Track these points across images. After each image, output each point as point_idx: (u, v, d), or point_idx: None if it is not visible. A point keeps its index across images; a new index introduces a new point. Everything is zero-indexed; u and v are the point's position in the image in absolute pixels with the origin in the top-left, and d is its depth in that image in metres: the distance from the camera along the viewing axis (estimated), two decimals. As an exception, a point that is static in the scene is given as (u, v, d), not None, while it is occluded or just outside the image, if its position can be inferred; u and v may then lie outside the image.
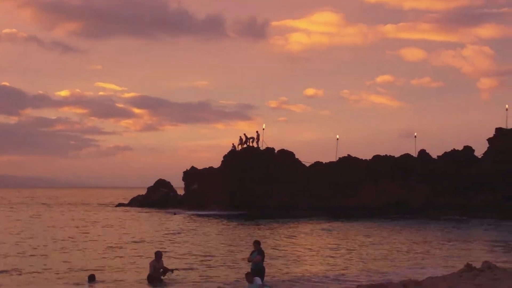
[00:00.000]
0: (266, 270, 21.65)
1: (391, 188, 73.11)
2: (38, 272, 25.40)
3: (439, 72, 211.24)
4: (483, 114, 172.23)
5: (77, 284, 22.76)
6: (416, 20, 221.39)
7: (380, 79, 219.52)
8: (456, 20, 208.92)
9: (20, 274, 24.88)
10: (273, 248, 34.78)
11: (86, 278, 23.14)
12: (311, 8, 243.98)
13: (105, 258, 30.60)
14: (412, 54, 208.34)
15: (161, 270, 23.27)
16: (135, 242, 39.51)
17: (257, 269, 20.63)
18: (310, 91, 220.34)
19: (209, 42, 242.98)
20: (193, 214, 72.92)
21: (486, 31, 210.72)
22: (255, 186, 74.82)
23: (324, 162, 78.23)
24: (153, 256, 23.89)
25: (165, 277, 23.29)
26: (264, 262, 21.18)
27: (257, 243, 21.34)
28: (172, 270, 23.67)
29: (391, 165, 73.89)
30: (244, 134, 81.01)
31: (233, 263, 28.78)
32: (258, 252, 20.91)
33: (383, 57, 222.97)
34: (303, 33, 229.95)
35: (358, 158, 76.60)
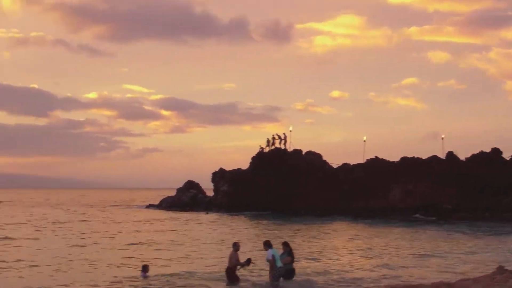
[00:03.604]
0: (296, 271, 22.15)
1: (419, 190, 73.22)
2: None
3: (464, 74, 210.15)
4: (510, 116, 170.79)
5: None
6: (440, 23, 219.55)
7: (405, 81, 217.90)
8: (480, 22, 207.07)
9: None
10: (301, 249, 34.86)
11: (140, 268, 24.16)
12: (335, 11, 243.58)
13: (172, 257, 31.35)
14: (437, 56, 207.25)
15: (237, 263, 21.97)
16: (173, 242, 40.15)
17: (287, 270, 21.14)
18: (335, 93, 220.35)
19: (234, 45, 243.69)
20: (224, 215, 74.05)
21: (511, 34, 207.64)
22: (283, 187, 75.71)
23: (351, 164, 78.79)
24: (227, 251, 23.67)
25: (241, 269, 22.13)
26: (294, 263, 21.76)
27: (285, 245, 21.77)
28: (248, 262, 21.87)
29: (419, 167, 74.09)
30: (277, 134, 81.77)
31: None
32: (287, 253, 21.47)
33: (408, 59, 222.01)
34: (327, 36, 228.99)
35: (386, 160, 76.97)
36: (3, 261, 28.36)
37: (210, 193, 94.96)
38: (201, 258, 30.43)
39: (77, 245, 36.13)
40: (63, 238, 41.85)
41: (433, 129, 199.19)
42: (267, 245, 20.73)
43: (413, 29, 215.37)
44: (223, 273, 22.43)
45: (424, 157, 75.99)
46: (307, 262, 28.72)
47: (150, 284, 22.22)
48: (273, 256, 20.29)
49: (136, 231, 48.77)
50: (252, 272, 23.73)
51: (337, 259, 30.86)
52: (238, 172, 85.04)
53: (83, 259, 29.65)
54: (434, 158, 75.42)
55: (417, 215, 68.62)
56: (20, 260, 28.89)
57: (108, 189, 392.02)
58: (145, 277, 23.27)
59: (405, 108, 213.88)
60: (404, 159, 76.20)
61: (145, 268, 23.73)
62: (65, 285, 22.29)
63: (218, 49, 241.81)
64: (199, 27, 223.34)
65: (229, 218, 68.05)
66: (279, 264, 20.41)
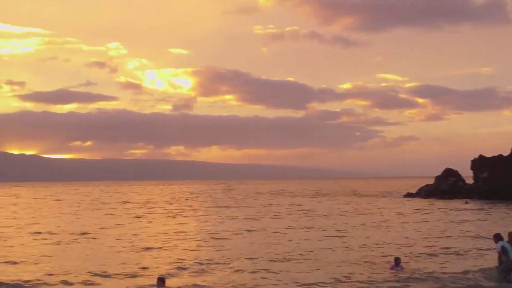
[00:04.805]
0: None
1: None
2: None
3: None
4: None
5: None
6: None
7: None
8: None
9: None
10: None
11: (393, 260, 24.07)
12: None
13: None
14: None
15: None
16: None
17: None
18: None
19: (490, 28, 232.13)
20: (485, 203, 72.48)
21: None
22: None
23: None
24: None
25: None
26: None
27: (511, 235, 20.89)
28: None
29: None
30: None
31: None
32: None
33: None
34: None
35: None
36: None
37: (469, 180, 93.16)
38: (463, 254, 29.18)
39: (341, 236, 37.15)
40: (311, 230, 42.52)
41: None
42: (497, 237, 20.85)
43: None
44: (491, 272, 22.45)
45: None
46: None
47: (399, 277, 21.84)
48: (502, 248, 20.25)
49: (400, 222, 49.49)
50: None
51: None
52: (499, 158, 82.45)
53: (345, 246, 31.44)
54: None
55: None
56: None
57: (364, 179, 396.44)
58: (398, 270, 23.14)
59: None
60: None
61: (397, 261, 23.66)
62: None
63: (473, 33, 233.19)
64: (454, 11, 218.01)
65: (492, 207, 66.37)
66: None
